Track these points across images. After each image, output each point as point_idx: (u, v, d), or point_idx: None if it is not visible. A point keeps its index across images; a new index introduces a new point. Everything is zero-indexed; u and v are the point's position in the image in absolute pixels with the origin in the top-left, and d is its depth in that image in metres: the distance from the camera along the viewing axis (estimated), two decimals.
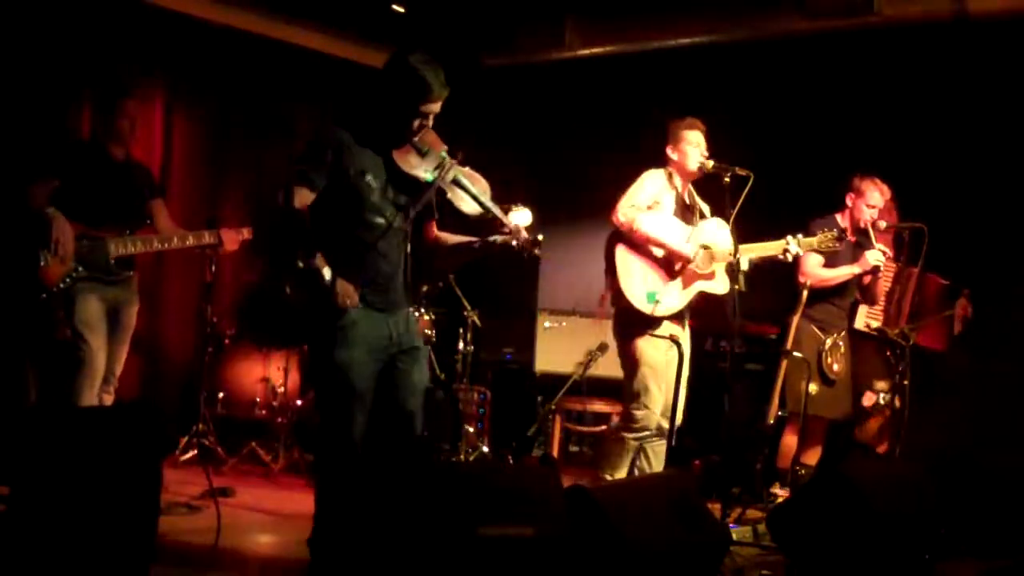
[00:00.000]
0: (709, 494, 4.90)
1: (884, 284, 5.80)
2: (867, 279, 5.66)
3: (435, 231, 3.86)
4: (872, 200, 5.60)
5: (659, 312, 4.79)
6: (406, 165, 3.60)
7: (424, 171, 3.58)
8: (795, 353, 5.43)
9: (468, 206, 3.63)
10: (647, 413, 4.79)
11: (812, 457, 5.72)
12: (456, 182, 3.60)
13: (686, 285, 4.87)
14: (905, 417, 5.53)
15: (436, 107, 3.59)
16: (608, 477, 4.82)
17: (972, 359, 6.26)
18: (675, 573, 3.50)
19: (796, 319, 5.53)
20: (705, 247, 4.88)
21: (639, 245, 4.83)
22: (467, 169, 3.65)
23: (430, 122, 3.62)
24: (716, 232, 4.90)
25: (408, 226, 3.63)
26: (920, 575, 4.14)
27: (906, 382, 5.52)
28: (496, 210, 3.61)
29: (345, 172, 3.54)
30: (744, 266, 4.74)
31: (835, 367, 5.61)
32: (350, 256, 3.53)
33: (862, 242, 5.63)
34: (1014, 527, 4.46)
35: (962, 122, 6.35)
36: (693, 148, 4.88)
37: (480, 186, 3.66)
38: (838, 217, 5.68)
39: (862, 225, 5.62)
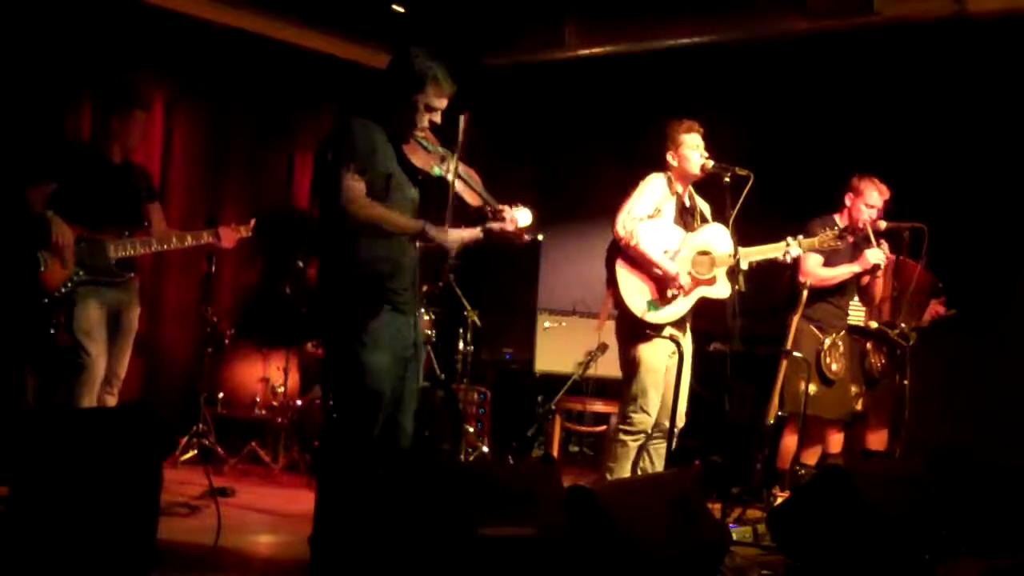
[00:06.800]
0: (709, 494, 4.90)
1: (882, 283, 5.79)
2: (866, 279, 5.66)
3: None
4: (871, 200, 5.59)
5: (660, 319, 4.79)
6: (417, 160, 3.65)
7: (433, 166, 3.62)
8: (795, 353, 5.44)
9: (472, 197, 3.72)
10: (644, 417, 4.78)
11: (812, 457, 5.72)
12: (459, 175, 3.66)
13: (687, 292, 4.86)
14: (905, 417, 5.53)
15: (445, 103, 3.66)
16: (610, 477, 4.82)
17: (972, 358, 6.27)
18: (675, 573, 3.50)
19: (796, 319, 5.53)
20: (705, 252, 4.87)
21: (637, 262, 4.82)
22: (463, 165, 3.73)
23: (438, 118, 3.68)
24: (715, 237, 4.89)
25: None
26: (920, 575, 4.14)
27: (906, 382, 5.52)
28: (492, 200, 3.72)
29: (376, 168, 3.57)
30: (744, 266, 4.75)
31: (834, 367, 5.60)
32: (376, 251, 3.56)
33: (859, 242, 5.63)
34: (1014, 527, 4.46)
35: (962, 122, 6.36)
36: (693, 151, 4.85)
37: (475, 178, 3.76)
38: (836, 218, 5.67)
39: (861, 225, 5.62)
